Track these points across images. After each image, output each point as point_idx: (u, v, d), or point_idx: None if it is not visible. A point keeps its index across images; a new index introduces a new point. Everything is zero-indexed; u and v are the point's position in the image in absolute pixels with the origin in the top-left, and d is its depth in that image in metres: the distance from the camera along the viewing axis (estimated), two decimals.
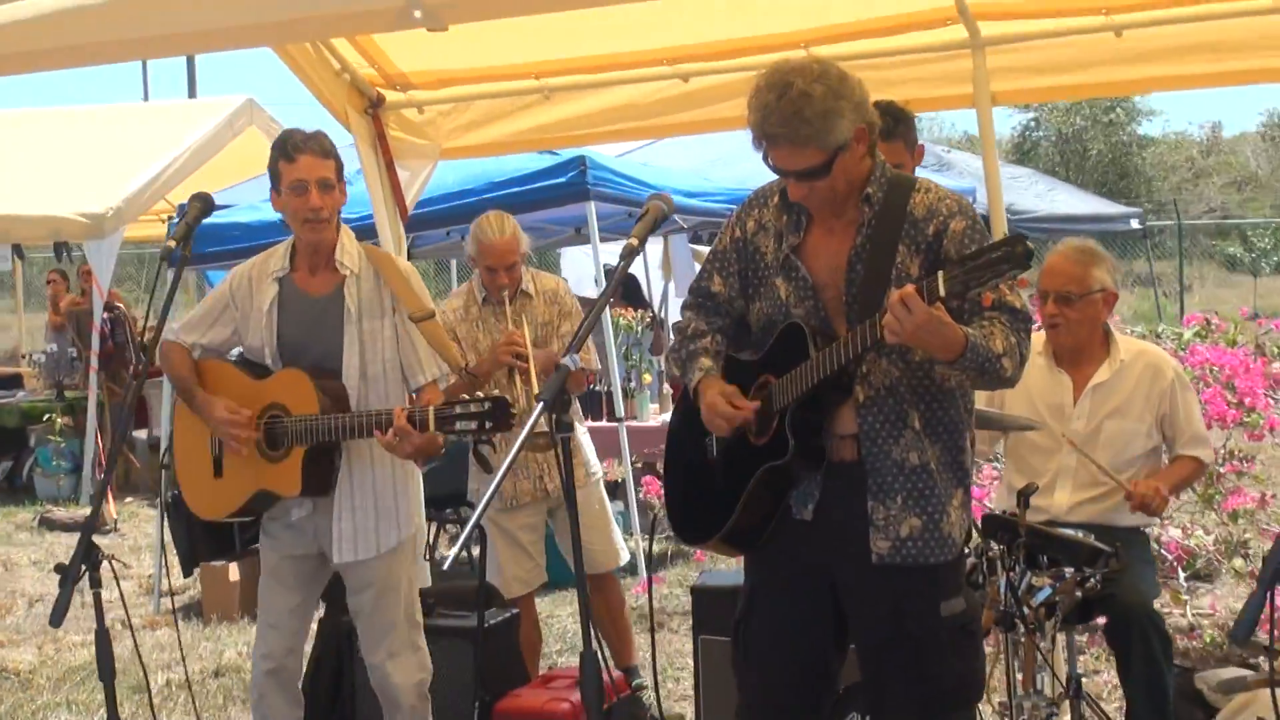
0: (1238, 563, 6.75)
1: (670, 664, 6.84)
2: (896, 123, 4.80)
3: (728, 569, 6.87)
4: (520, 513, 5.93)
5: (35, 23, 4.45)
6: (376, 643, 4.74)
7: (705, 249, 12.74)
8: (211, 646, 7.90)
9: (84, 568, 3.66)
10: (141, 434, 13.78)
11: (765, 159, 3.65)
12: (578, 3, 5.03)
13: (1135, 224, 14.80)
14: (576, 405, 5.75)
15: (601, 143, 8.00)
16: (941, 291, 3.32)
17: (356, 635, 4.91)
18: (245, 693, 6.66)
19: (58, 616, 3.63)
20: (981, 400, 4.76)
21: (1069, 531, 4.47)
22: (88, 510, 12.21)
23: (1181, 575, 6.76)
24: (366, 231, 7.57)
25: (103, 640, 3.77)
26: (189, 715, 6.40)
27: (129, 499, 12.85)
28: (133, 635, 5.18)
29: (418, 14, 4.11)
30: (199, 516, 4.88)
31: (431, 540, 9.92)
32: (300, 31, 5.25)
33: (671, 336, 4.11)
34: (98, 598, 3.79)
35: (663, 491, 3.99)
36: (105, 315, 13.28)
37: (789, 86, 3.51)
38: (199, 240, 9.48)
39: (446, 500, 8.61)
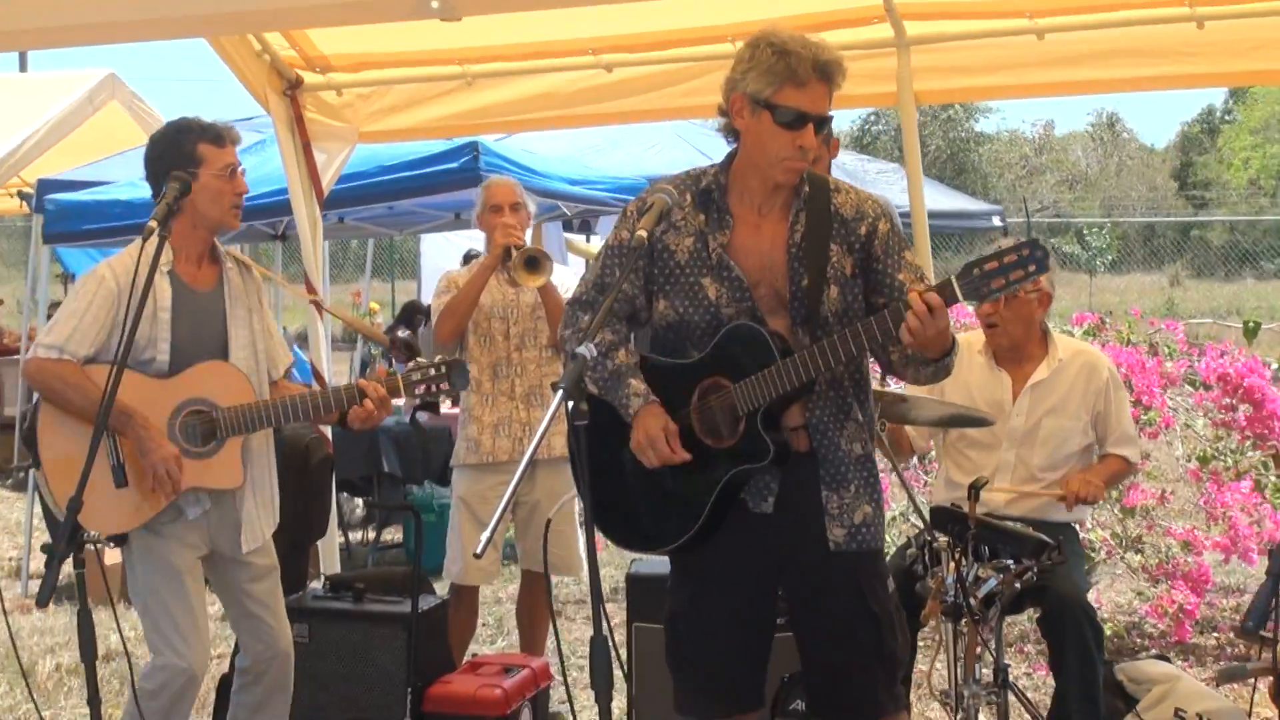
0: (1133, 558, 6.92)
1: (573, 652, 6.80)
2: None
3: (653, 558, 6.85)
4: (493, 488, 5.75)
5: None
6: (280, 622, 4.68)
7: (577, 238, 12.66)
8: (95, 631, 7.64)
9: (69, 548, 3.57)
10: None
11: (774, 114, 3.60)
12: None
13: (997, 221, 15.15)
14: None
15: (523, 130, 7.95)
16: (960, 296, 3.44)
17: None
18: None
19: (44, 596, 3.55)
20: (922, 393, 4.86)
21: (1014, 524, 4.56)
22: None
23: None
24: (278, 209, 7.46)
25: (85, 620, 3.71)
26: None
27: None
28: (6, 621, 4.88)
29: (435, 4, 4.08)
30: (101, 533, 4.42)
31: (360, 522, 9.92)
32: (318, 18, 5.30)
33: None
34: (80, 579, 3.74)
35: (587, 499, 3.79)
36: None
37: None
38: (75, 217, 9.37)
39: (348, 484, 8.75)
